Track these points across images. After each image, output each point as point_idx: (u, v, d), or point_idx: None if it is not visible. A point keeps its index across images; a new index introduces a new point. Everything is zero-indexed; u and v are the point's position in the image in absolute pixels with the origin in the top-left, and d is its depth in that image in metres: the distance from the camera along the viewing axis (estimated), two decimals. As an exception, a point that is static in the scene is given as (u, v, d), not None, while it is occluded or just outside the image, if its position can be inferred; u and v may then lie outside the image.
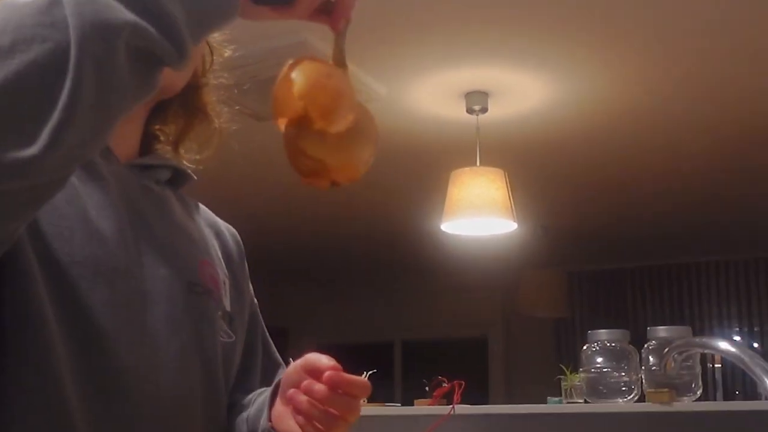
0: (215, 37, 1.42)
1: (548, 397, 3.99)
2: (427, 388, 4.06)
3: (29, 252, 1.08)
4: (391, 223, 7.91)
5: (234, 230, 1.56)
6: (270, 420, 1.27)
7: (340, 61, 1.13)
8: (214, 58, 1.43)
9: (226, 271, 1.43)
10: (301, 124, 1.05)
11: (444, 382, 3.96)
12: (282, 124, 1.08)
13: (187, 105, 1.43)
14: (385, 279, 10.38)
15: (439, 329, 10.42)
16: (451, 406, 3.84)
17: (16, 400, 1.07)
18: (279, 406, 1.26)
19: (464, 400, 3.90)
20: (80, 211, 1.16)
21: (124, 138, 1.33)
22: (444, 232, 5.41)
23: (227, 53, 1.46)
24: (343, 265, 9.73)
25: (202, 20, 0.93)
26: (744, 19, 4.13)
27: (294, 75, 1.05)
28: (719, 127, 5.58)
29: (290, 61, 1.08)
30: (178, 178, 1.43)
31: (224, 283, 1.39)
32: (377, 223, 7.91)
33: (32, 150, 0.81)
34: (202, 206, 1.53)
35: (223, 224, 1.55)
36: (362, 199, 7.12)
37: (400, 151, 5.94)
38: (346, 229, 8.14)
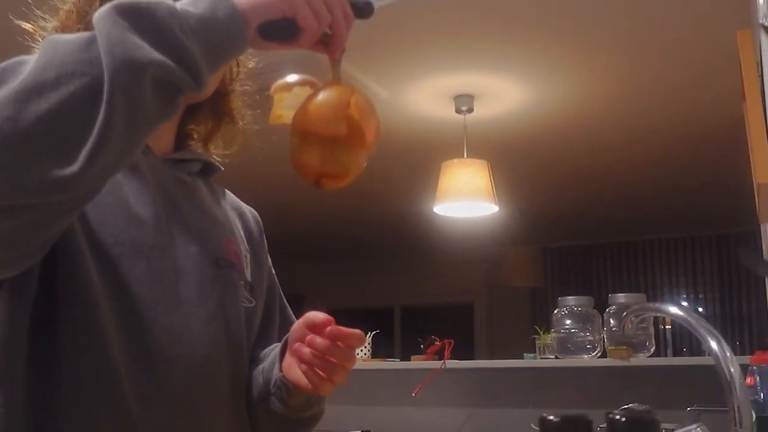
0: None
1: (525, 354, 4.00)
2: (422, 346, 4.07)
3: (80, 236, 1.10)
4: (392, 207, 7.91)
5: (255, 212, 1.56)
6: (281, 370, 1.27)
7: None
8: (240, 68, 1.43)
9: (247, 247, 1.43)
10: (334, 137, 1.08)
11: (436, 340, 3.97)
12: (305, 134, 1.09)
13: (215, 109, 1.42)
14: (387, 254, 10.39)
15: (432, 296, 10.41)
16: (442, 361, 3.84)
17: (67, 359, 1.08)
18: (288, 358, 1.25)
19: (453, 356, 3.91)
20: (121, 200, 1.17)
21: (161, 136, 1.33)
22: (436, 214, 5.41)
23: (251, 64, 1.45)
24: (351, 242, 9.74)
25: (217, 54, 0.96)
26: (696, 37, 4.12)
27: (352, 100, 1.09)
28: (668, 127, 5.57)
29: (321, 86, 1.11)
30: (208, 169, 1.43)
31: (246, 257, 1.39)
32: (380, 206, 7.91)
33: (72, 168, 0.85)
34: (228, 192, 1.52)
35: (246, 207, 1.54)
36: (366, 187, 7.09)
37: (400, 146, 5.93)
38: (354, 212, 8.14)
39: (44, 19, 1.28)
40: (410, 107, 5.22)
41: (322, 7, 1.03)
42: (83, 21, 1.22)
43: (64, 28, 1.25)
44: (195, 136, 1.45)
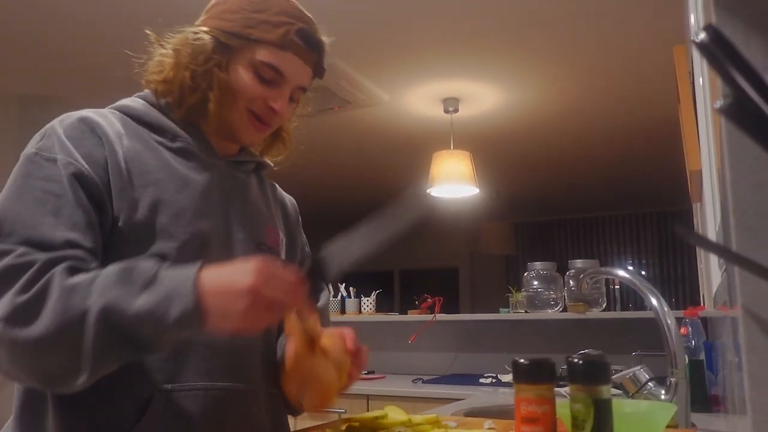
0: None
1: (500, 309, 4.01)
2: (416, 303, 4.07)
3: (151, 226, 1.15)
4: (393, 189, 7.89)
5: (293, 200, 1.57)
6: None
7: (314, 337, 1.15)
8: (298, 107, 1.40)
9: (284, 231, 1.45)
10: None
11: (428, 298, 3.97)
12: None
13: (273, 133, 1.42)
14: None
15: (425, 262, 10.42)
16: (433, 315, 3.85)
17: None
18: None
19: (442, 311, 3.91)
20: (190, 197, 1.20)
21: (229, 144, 1.35)
22: (428, 194, 5.41)
23: (309, 109, 1.45)
24: (361, 217, 9.74)
25: (177, 338, 1.05)
26: (639, 51, 4.10)
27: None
28: (616, 124, 5.56)
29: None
30: (260, 166, 1.44)
31: (282, 240, 1.41)
32: (383, 188, 7.89)
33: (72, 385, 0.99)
34: (276, 185, 1.53)
35: (287, 197, 1.55)
36: (373, 173, 7.11)
37: (399, 140, 5.92)
38: (365, 193, 8.14)
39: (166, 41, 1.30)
40: (407, 108, 5.21)
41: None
42: (189, 62, 1.25)
43: (176, 54, 1.26)
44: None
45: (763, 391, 0.71)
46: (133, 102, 1.28)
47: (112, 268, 1.01)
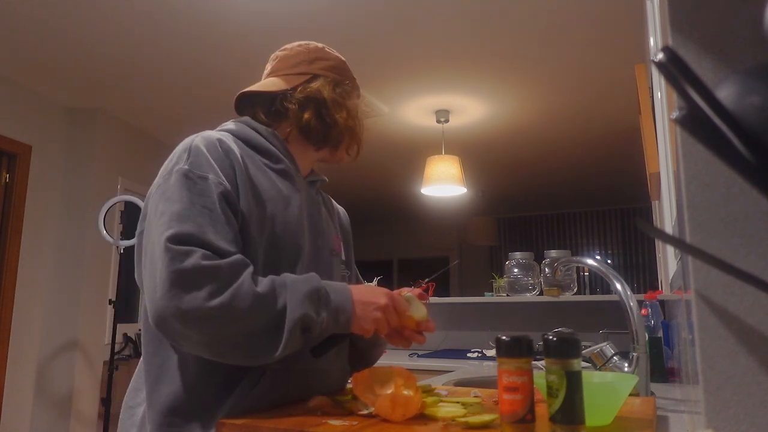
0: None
1: (485, 293, 4.01)
2: (412, 287, 4.07)
3: (271, 240, 1.24)
4: (393, 188, 7.90)
5: (344, 210, 1.70)
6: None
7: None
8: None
9: (341, 236, 1.56)
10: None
11: (422, 283, 3.97)
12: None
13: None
14: (389, 221, 10.37)
15: (419, 252, 10.42)
16: (426, 298, 3.85)
17: None
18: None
19: (435, 295, 3.92)
20: (294, 213, 1.30)
21: (308, 165, 1.47)
22: (423, 194, 5.41)
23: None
24: (366, 213, 9.74)
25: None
26: (604, 69, 4.11)
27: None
28: (585, 131, 5.56)
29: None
30: (322, 182, 1.54)
31: (342, 245, 1.52)
32: (385, 188, 7.90)
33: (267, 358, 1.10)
34: (330, 198, 1.63)
35: (340, 208, 1.67)
36: (376, 175, 7.10)
37: (398, 146, 5.92)
38: (368, 192, 8.14)
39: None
40: (404, 118, 5.20)
41: (392, 324, 1.25)
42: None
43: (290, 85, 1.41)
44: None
45: (713, 363, 0.71)
46: (241, 127, 1.35)
47: (296, 284, 1.13)
